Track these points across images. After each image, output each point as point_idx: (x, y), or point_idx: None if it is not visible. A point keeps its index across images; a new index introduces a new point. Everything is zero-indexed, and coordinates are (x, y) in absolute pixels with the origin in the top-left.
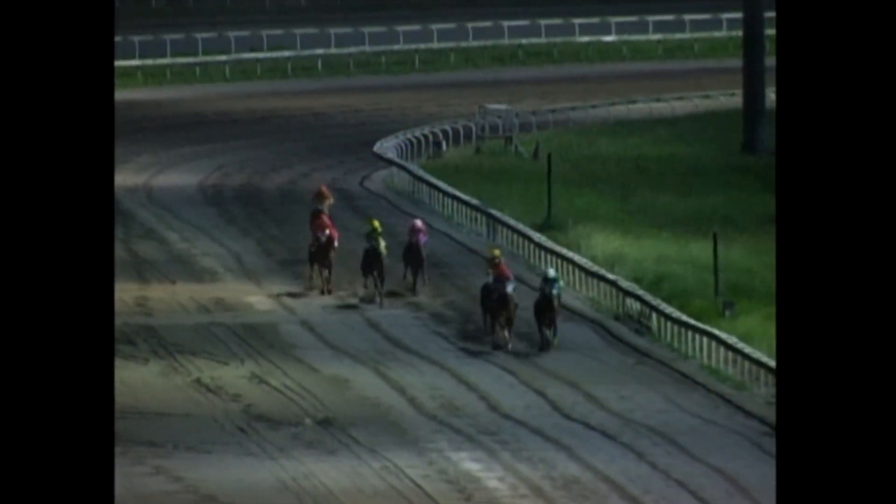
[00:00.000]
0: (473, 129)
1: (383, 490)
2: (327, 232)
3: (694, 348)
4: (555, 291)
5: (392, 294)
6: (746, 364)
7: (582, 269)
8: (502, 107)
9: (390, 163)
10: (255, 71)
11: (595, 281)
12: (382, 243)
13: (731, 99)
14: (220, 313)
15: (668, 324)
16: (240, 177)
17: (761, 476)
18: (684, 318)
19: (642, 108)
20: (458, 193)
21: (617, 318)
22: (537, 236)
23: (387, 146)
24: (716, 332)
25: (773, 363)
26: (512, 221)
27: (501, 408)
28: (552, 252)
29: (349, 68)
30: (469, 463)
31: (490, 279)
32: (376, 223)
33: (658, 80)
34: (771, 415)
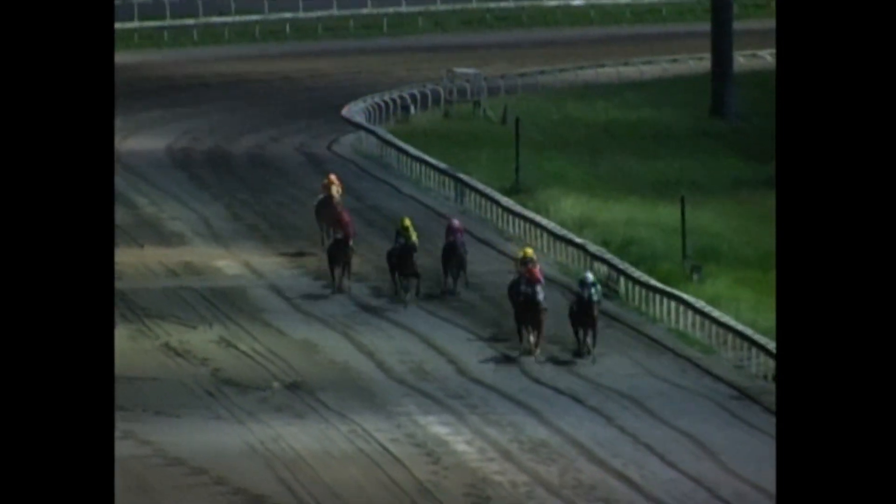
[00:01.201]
0: (442, 93)
1: (352, 453)
2: (340, 233)
3: (662, 312)
4: (594, 297)
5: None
6: (714, 328)
7: (550, 232)
8: (471, 71)
9: (358, 127)
10: (223, 35)
11: (563, 245)
12: (414, 237)
13: (699, 63)
14: (189, 277)
15: (636, 287)
16: (209, 141)
17: (729, 439)
18: (652, 281)
19: (611, 72)
20: (426, 157)
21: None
22: (505, 200)
23: (355, 110)
24: (683, 295)
25: (739, 326)
26: (480, 185)
27: (470, 372)
28: (520, 216)
29: (317, 32)
30: (437, 427)
31: (517, 277)
32: (408, 221)
33: (627, 44)
34: (739, 378)
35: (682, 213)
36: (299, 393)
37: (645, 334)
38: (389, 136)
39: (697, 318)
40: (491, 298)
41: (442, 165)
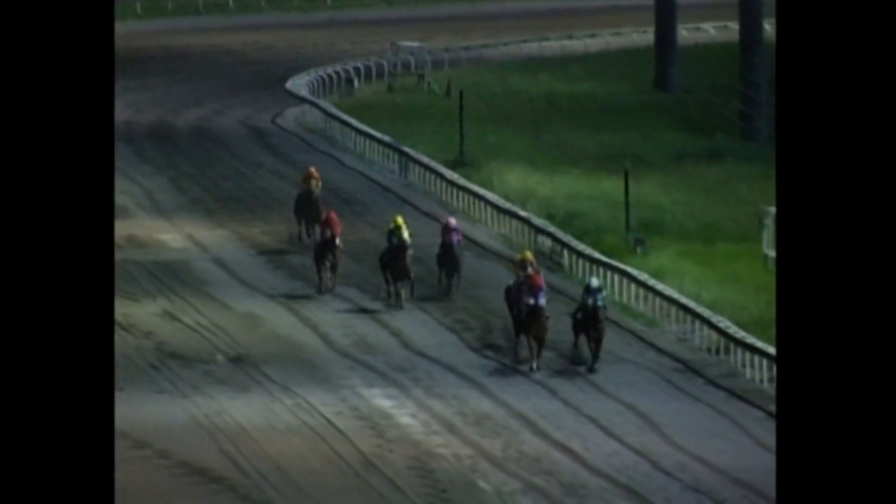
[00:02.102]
0: (386, 66)
1: (296, 427)
2: (328, 232)
3: (605, 285)
4: (600, 303)
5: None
6: (658, 301)
7: (494, 206)
8: (415, 44)
9: (302, 100)
10: (167, 8)
11: (507, 218)
12: (406, 235)
13: (643, 36)
14: (133, 251)
15: (580, 260)
16: (153, 114)
17: (672, 412)
18: (596, 254)
19: (554, 45)
20: (370, 130)
21: None
22: (449, 173)
23: (299, 83)
24: (627, 268)
25: (683, 299)
26: (424, 158)
27: (414, 345)
28: (464, 189)
29: (261, 5)
30: (381, 400)
31: (516, 281)
32: (400, 220)
33: (570, 17)
34: (682, 351)
35: (626, 186)
36: (243, 366)
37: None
38: (333, 110)
39: (641, 290)
40: (436, 272)
41: (386, 138)
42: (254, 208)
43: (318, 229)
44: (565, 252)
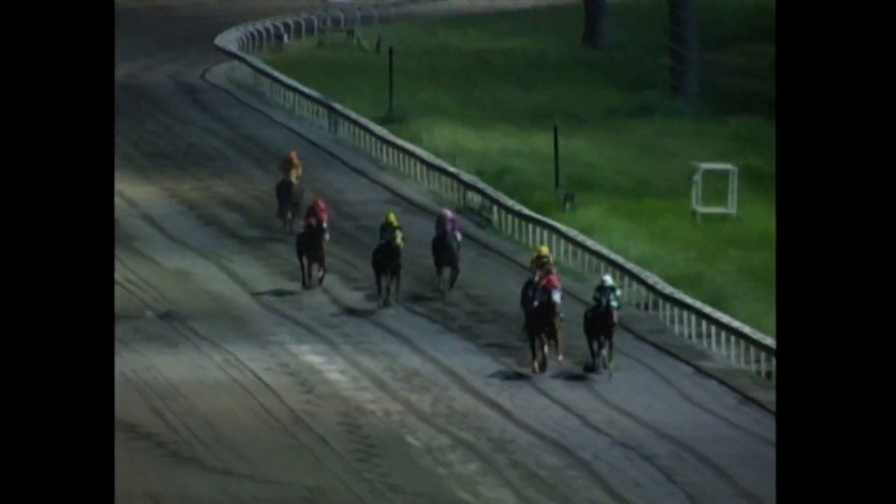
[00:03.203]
0: (315, 22)
1: (225, 382)
2: (312, 221)
3: (535, 241)
4: (613, 303)
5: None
6: (587, 256)
7: (423, 162)
8: (345, 0)
9: (232, 56)
10: None
11: (436, 174)
12: (399, 236)
13: None
14: None
15: (510, 217)
16: None
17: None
18: (526, 210)
19: (485, 1)
20: (299, 86)
21: (459, 211)
22: (379, 129)
23: (228, 39)
24: (557, 224)
25: (612, 255)
26: (354, 114)
27: (343, 301)
28: (394, 145)
29: None
30: (311, 356)
31: (532, 280)
32: (392, 217)
33: None
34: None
35: (556, 142)
36: (172, 322)
37: (518, 263)
38: (263, 65)
39: (570, 246)
40: (365, 228)
41: (315, 94)
42: (184, 164)
43: (291, 215)
44: (495, 208)
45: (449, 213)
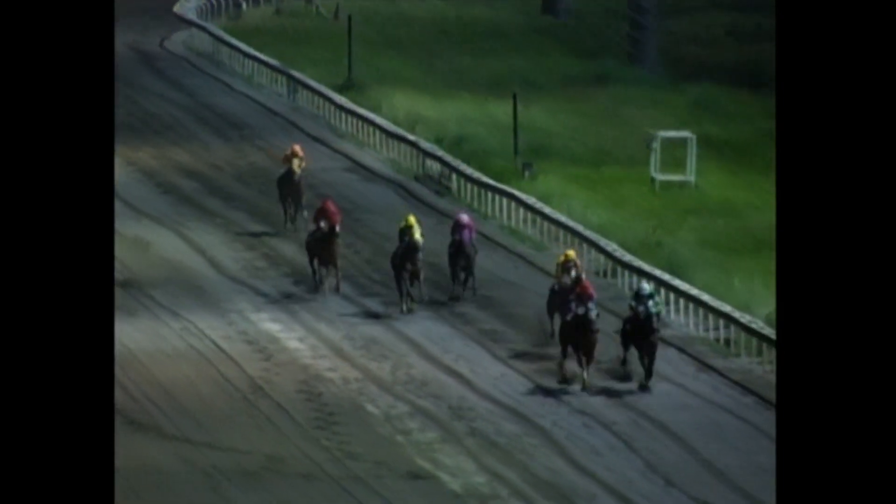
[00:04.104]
0: None
1: (184, 351)
2: (322, 223)
3: (494, 209)
4: (653, 310)
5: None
6: (545, 224)
7: (382, 130)
8: None
9: (190, 24)
10: None
11: (396, 142)
12: (418, 234)
13: None
14: None
15: (469, 185)
16: None
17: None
18: (484, 178)
19: None
20: (258, 55)
21: (417, 178)
22: (338, 97)
23: (187, 7)
24: (515, 192)
25: (571, 223)
26: (313, 83)
27: (301, 270)
28: (353, 113)
29: None
30: (269, 324)
31: (557, 285)
32: (412, 219)
33: None
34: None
35: (514, 111)
36: (131, 290)
37: (477, 231)
38: (221, 33)
39: (529, 214)
40: (323, 195)
41: (274, 62)
42: (142, 133)
43: (294, 209)
44: (454, 176)
45: (466, 218)
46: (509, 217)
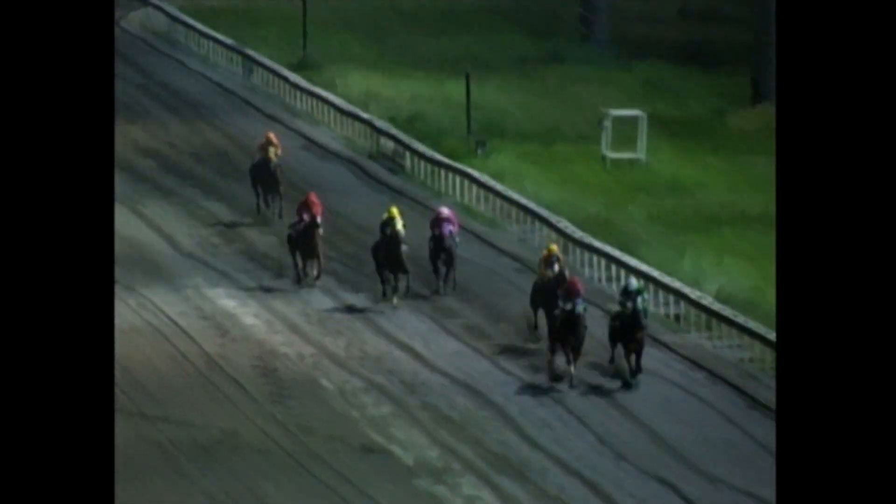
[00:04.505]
0: None
1: (140, 326)
2: (305, 216)
3: (447, 186)
4: (640, 306)
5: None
6: (498, 202)
7: (337, 108)
8: None
9: (146, 3)
10: None
11: (350, 120)
12: (400, 225)
13: None
14: None
15: (422, 162)
16: None
17: (512, 309)
18: (437, 156)
19: None
20: (213, 34)
21: (371, 156)
22: (293, 76)
23: None
24: (468, 170)
25: (523, 200)
26: (267, 61)
27: (257, 247)
28: (307, 92)
29: None
30: (225, 300)
31: (542, 279)
32: (395, 210)
33: None
34: (522, 251)
35: (467, 89)
36: None
37: (430, 209)
38: (177, 13)
39: (482, 192)
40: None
41: (229, 42)
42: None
43: (271, 198)
44: (407, 154)
45: (446, 211)
46: (462, 195)
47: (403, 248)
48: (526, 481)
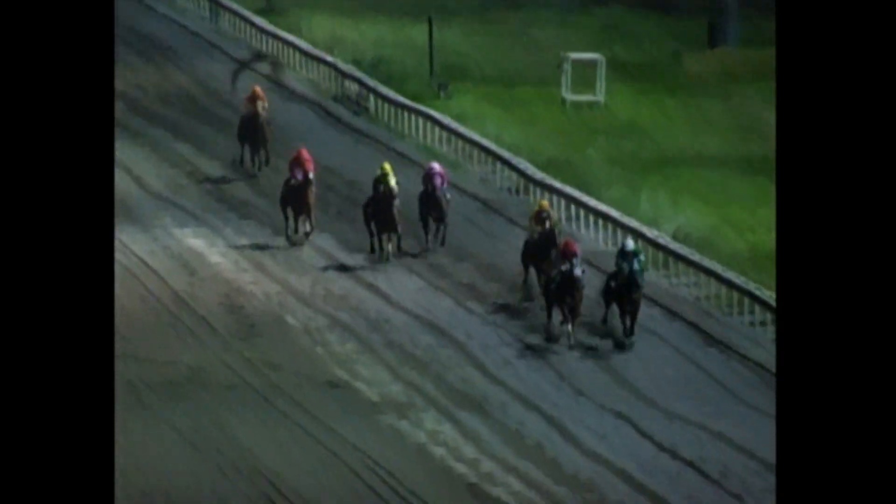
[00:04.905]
0: None
1: None
2: (300, 175)
3: (411, 128)
4: (636, 267)
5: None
6: (460, 143)
7: (302, 52)
8: None
9: None
10: None
11: (315, 63)
12: (393, 184)
13: None
14: None
15: (386, 105)
16: None
17: (475, 248)
18: (401, 99)
19: None
20: None
21: (336, 99)
22: (259, 20)
23: None
24: (431, 112)
25: (485, 142)
26: (234, 5)
27: (225, 188)
28: (273, 36)
29: None
30: (193, 239)
31: (532, 236)
32: (388, 166)
33: None
34: (485, 191)
35: (430, 33)
36: None
37: (394, 149)
38: None
39: (444, 133)
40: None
41: None
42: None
43: (263, 154)
44: (371, 97)
45: (437, 167)
46: (425, 136)
47: (396, 203)
48: (486, 416)
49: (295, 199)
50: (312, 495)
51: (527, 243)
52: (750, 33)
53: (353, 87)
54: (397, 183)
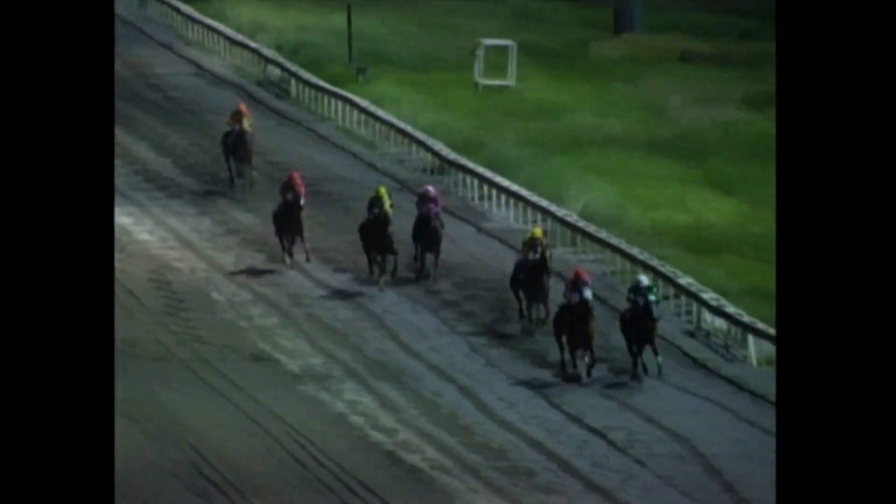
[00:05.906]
0: None
1: None
2: (289, 196)
3: (330, 111)
4: (652, 297)
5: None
6: (378, 125)
7: (227, 38)
8: None
9: None
10: None
11: (239, 49)
12: (388, 207)
13: None
14: None
15: (307, 88)
16: None
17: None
18: (321, 83)
19: None
20: None
21: (259, 83)
22: (185, 7)
23: None
24: (350, 95)
25: (401, 124)
26: None
27: (151, 165)
28: (199, 22)
29: None
30: (121, 217)
31: (523, 260)
32: (382, 190)
33: None
34: (400, 171)
35: (349, 19)
36: None
37: (314, 131)
38: None
39: (362, 116)
40: (171, 98)
41: None
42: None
43: (247, 171)
44: (293, 81)
45: (433, 190)
46: (344, 119)
47: (391, 227)
48: (403, 387)
49: (286, 222)
50: (237, 462)
51: (518, 265)
52: (653, 20)
53: (275, 72)
54: (391, 206)
